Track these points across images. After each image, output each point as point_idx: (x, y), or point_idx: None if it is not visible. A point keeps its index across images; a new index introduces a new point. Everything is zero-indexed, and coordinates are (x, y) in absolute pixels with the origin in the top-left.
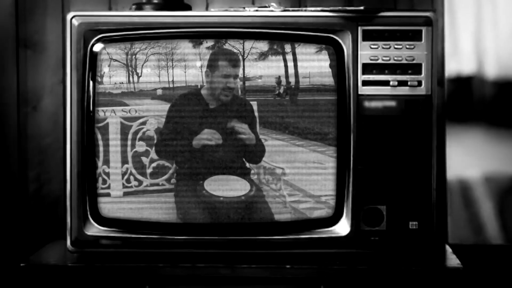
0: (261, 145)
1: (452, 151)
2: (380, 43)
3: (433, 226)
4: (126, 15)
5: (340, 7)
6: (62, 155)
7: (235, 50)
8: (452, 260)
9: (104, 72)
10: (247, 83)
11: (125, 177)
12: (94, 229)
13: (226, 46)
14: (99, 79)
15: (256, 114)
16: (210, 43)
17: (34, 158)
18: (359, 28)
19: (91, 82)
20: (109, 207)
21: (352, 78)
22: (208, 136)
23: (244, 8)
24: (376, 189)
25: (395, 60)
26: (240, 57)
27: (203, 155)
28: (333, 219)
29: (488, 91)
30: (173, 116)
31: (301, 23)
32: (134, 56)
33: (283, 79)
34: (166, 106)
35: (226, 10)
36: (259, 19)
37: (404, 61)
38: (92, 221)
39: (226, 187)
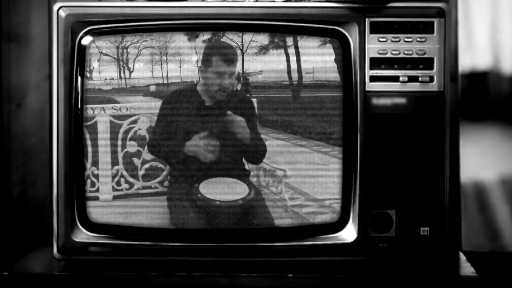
0: (262, 145)
1: (466, 152)
2: (389, 36)
3: (446, 232)
4: (117, 5)
5: None
6: (48, 156)
7: (233, 44)
8: (466, 268)
9: (93, 67)
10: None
11: (116, 179)
12: (83, 235)
13: (224, 39)
14: (88, 75)
15: (256, 111)
16: (207, 36)
17: (18, 159)
18: (367, 19)
19: (79, 78)
20: (98, 211)
21: (359, 73)
22: (202, 145)
23: None
24: (384, 193)
25: (405, 54)
26: (238, 52)
27: (198, 156)
28: (339, 225)
29: (505, 87)
30: (166, 114)
31: (304, 15)
32: (125, 50)
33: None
34: (159, 104)
35: (224, 1)
36: (259, 10)
37: (414, 55)
38: (80, 226)
39: (223, 190)
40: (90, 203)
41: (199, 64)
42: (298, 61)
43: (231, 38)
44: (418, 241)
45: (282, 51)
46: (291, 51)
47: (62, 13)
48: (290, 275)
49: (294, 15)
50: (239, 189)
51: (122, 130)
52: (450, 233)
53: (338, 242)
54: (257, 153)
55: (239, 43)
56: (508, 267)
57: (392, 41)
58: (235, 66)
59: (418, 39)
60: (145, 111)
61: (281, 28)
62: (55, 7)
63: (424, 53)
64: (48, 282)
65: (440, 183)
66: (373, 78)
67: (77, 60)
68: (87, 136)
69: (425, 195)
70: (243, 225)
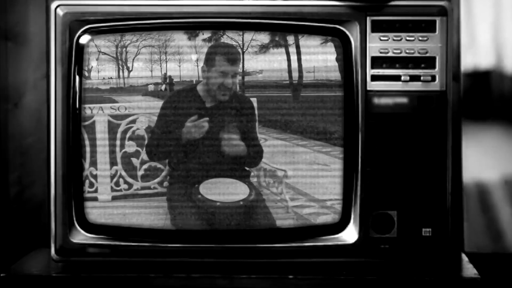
0: (259, 149)
1: (468, 152)
2: (391, 34)
3: (448, 233)
4: (116, 4)
5: None
6: (45, 156)
7: (234, 43)
8: (469, 269)
9: (91, 66)
10: (246, 78)
11: (114, 180)
12: (81, 236)
13: (224, 38)
14: (86, 74)
15: (256, 112)
16: (206, 35)
17: (16, 159)
18: (368, 18)
19: (77, 77)
20: (96, 212)
21: (360, 72)
22: (193, 127)
23: None
24: (386, 193)
25: (406, 53)
26: (240, 52)
27: (198, 156)
28: (340, 226)
29: (507, 87)
30: (166, 114)
31: (305, 13)
32: (124, 49)
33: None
34: (158, 103)
35: None
36: (259, 9)
37: (416, 54)
38: (78, 227)
39: (223, 191)
40: (88, 204)
41: (201, 64)
42: (299, 60)
43: (231, 37)
44: (420, 242)
45: (283, 50)
46: (292, 50)
47: (60, 12)
48: (291, 276)
49: (294, 13)
50: (240, 190)
51: (120, 129)
52: (452, 234)
53: (339, 243)
54: (254, 158)
55: (240, 42)
56: (510, 268)
57: (393, 40)
58: (238, 66)
59: (420, 38)
60: (144, 111)
61: (282, 27)
62: (53, 5)
63: (426, 52)
64: (46, 284)
65: (442, 183)
66: (375, 77)
67: (75, 59)
68: (85, 136)
69: (427, 195)
70: (243, 226)
